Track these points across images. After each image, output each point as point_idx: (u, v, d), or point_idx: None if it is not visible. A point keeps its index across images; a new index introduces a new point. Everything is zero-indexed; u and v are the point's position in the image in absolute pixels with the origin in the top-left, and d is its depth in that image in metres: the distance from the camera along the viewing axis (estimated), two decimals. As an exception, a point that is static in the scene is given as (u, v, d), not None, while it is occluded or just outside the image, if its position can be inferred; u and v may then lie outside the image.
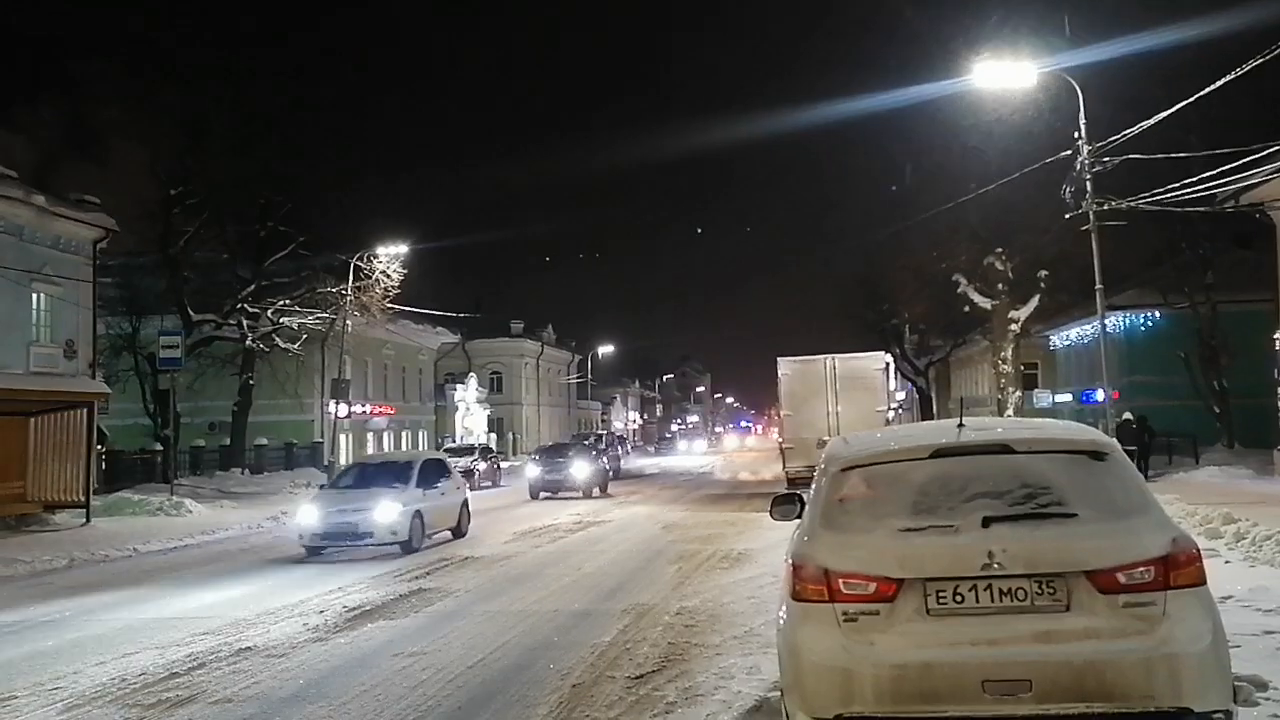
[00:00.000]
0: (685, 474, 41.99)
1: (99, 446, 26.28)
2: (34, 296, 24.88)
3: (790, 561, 4.55)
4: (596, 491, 27.87)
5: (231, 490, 29.41)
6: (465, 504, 18.26)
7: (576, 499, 26.29)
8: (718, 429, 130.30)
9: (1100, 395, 26.06)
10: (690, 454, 71.37)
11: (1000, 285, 29.30)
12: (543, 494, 27.23)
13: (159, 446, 30.41)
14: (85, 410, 22.52)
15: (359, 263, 34.43)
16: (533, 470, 28.59)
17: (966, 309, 31.40)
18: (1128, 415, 24.60)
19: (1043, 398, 41.18)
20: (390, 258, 35.27)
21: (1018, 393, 30.50)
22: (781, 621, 4.61)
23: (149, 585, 13.10)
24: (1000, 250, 28.77)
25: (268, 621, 9.90)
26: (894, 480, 4.55)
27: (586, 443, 35.89)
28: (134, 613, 10.86)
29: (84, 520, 21.19)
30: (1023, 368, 36.26)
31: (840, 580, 4.28)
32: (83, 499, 21.77)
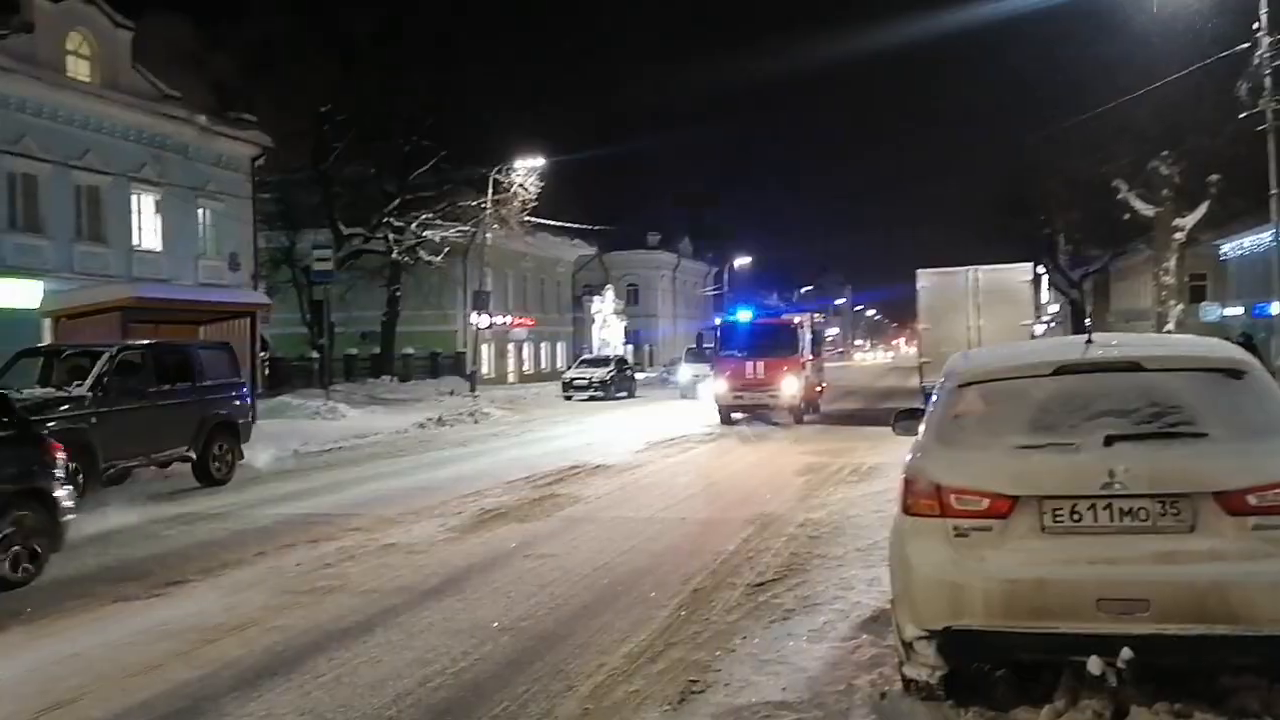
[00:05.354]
0: None
1: (263, 354, 27.98)
2: (199, 212, 26.47)
3: (903, 475, 4.54)
4: None
5: (382, 396, 30.90)
6: None
7: None
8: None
9: (1275, 308, 24.36)
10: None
11: (1165, 191, 27.56)
12: None
13: (315, 354, 32.12)
14: (249, 320, 23.91)
15: (498, 176, 35.05)
16: None
17: (1127, 216, 29.67)
18: (1243, 333, 23.16)
19: (1210, 311, 38.66)
20: (528, 171, 35.75)
21: (1180, 306, 28.82)
22: (894, 535, 4.63)
23: (306, 483, 14.02)
24: (1166, 153, 26.95)
25: (410, 521, 10.48)
26: (1013, 397, 4.46)
27: None
28: (292, 508, 11.67)
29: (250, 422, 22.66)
30: (1188, 279, 34.14)
31: (952, 495, 4.24)
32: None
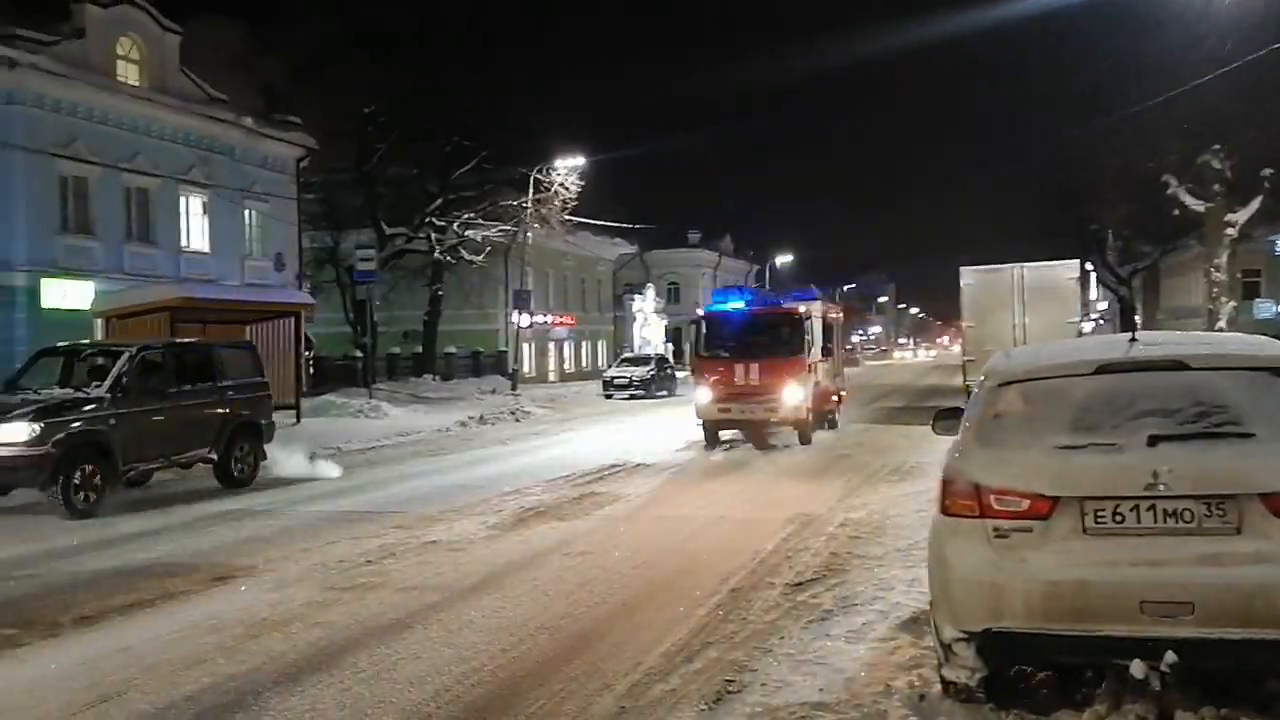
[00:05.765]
0: None
1: (308, 353, 28.32)
2: (245, 213, 26.88)
3: (942, 476, 4.50)
4: None
5: (424, 395, 31.16)
6: None
7: None
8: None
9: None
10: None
11: (1216, 186, 26.93)
12: None
13: (359, 353, 32.47)
14: (294, 319, 24.24)
15: (538, 175, 35.23)
16: None
17: (1176, 212, 29.06)
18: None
19: (1264, 308, 37.79)
20: (568, 170, 35.89)
21: (1232, 303, 28.17)
22: (932, 535, 4.59)
23: (349, 481, 14.18)
24: (1217, 147, 26.36)
25: (451, 518, 10.57)
26: (1054, 396, 4.40)
27: None
28: (335, 505, 11.83)
29: (295, 421, 22.98)
30: (1241, 276, 33.38)
31: (992, 496, 4.20)
32: (294, 401, 23.55)
